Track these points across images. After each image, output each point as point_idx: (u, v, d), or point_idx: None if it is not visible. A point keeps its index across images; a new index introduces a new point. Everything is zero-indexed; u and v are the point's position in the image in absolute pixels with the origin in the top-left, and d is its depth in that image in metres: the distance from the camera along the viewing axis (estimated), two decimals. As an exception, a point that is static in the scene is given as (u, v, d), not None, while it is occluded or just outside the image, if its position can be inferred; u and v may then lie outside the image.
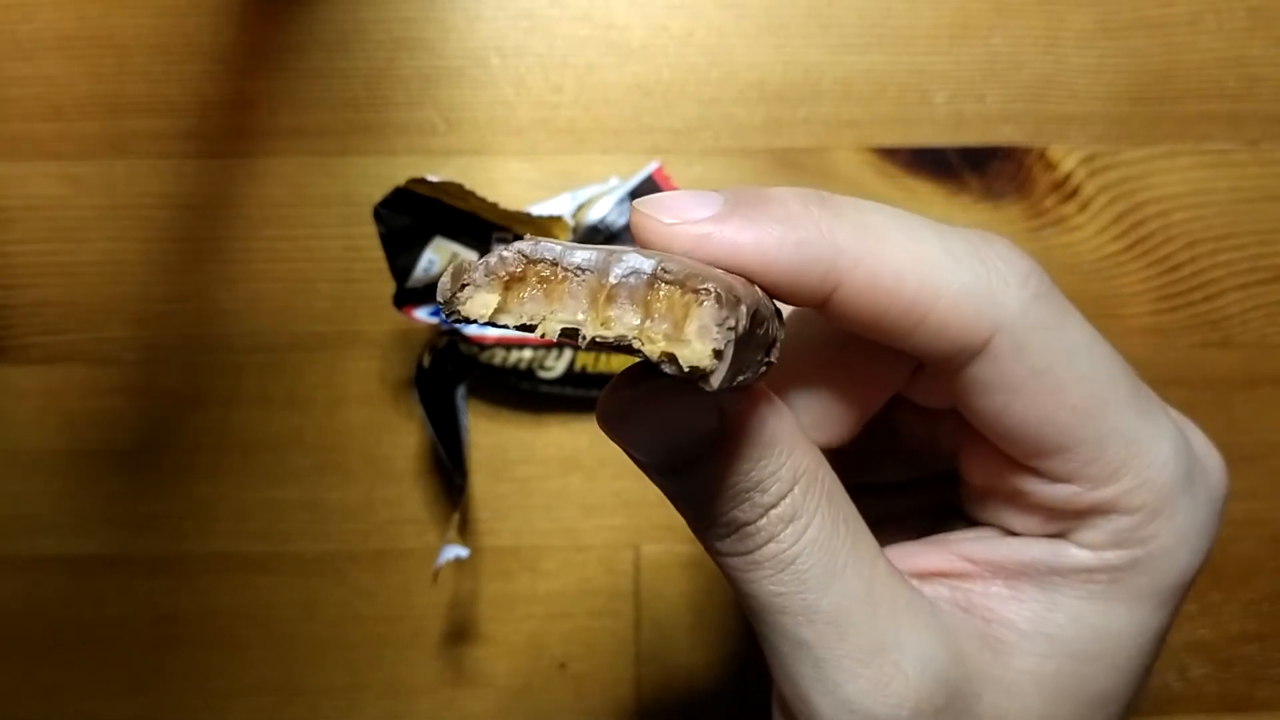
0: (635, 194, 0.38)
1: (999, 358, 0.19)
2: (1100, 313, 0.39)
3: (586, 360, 0.38)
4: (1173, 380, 0.40)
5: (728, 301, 0.15)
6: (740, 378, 0.16)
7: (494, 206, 0.36)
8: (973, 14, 0.40)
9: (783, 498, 0.19)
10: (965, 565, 0.22)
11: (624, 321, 0.15)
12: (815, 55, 0.40)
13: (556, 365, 0.38)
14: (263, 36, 0.40)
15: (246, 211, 0.39)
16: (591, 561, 0.39)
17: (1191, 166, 0.40)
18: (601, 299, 0.16)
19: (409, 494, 0.39)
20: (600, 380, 0.38)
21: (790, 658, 0.20)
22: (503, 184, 0.40)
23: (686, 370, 0.15)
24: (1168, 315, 0.40)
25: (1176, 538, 0.20)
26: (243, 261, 0.39)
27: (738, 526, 0.19)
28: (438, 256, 0.36)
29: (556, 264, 0.16)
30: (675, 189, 0.36)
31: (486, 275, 0.16)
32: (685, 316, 0.15)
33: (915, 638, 0.20)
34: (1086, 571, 0.21)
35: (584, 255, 0.16)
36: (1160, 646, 0.22)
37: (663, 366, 0.15)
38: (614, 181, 0.39)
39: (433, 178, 0.34)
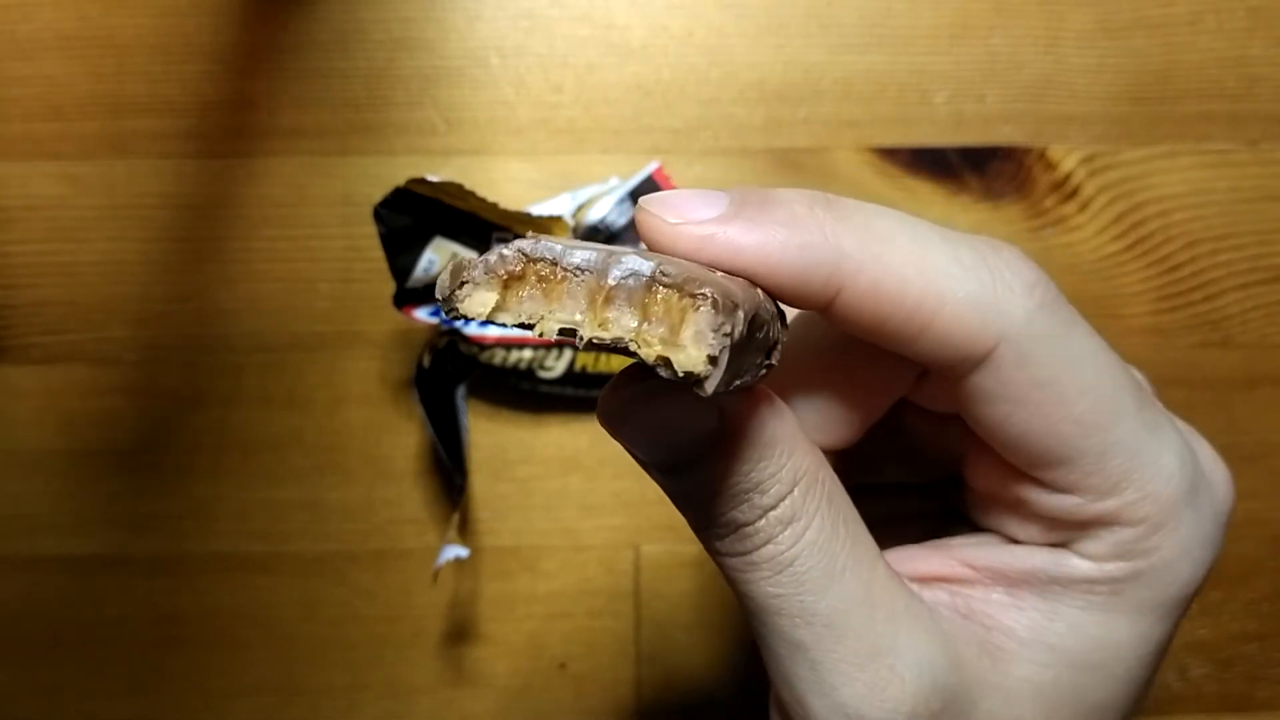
0: (635, 194, 0.38)
1: (1003, 367, 0.19)
2: (1100, 313, 0.39)
3: (586, 360, 0.38)
4: (1173, 380, 0.40)
5: (724, 307, 0.15)
6: (738, 381, 0.16)
7: (494, 206, 0.36)
8: (973, 14, 0.40)
9: (782, 499, 0.19)
10: (966, 571, 0.22)
11: (621, 324, 0.15)
12: (815, 55, 0.40)
13: (556, 365, 0.38)
14: (263, 36, 0.40)
15: (246, 211, 0.39)
16: (591, 561, 0.39)
17: (1191, 166, 0.40)
18: (600, 300, 0.16)
19: (409, 494, 0.39)
20: (600, 380, 0.38)
21: (787, 659, 0.20)
22: (503, 184, 0.40)
23: (681, 375, 0.15)
24: (1168, 315, 0.40)
25: (1179, 551, 0.20)
26: (243, 261, 0.39)
27: (736, 527, 0.19)
28: (438, 256, 0.36)
29: (556, 263, 0.16)
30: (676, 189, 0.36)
31: (486, 273, 0.16)
32: (681, 321, 0.15)
33: (913, 642, 0.20)
34: (1087, 582, 0.21)
35: (583, 255, 0.16)
36: (1161, 658, 0.22)
37: (658, 370, 0.15)
38: (614, 181, 0.39)
39: (433, 178, 0.34)
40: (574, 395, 0.38)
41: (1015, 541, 0.22)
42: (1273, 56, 0.40)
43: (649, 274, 0.15)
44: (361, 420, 0.39)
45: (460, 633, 0.39)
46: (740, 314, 0.15)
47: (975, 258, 0.19)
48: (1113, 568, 0.20)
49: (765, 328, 0.17)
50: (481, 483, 0.39)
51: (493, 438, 0.39)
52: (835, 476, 0.21)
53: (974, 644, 0.21)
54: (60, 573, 0.39)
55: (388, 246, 0.35)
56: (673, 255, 0.18)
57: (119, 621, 0.39)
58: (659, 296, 0.15)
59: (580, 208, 0.38)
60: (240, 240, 0.39)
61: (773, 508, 0.19)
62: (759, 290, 0.18)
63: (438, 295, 0.16)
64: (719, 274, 0.17)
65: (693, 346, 0.15)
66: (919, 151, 0.40)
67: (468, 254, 0.37)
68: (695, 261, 0.17)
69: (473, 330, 0.36)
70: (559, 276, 0.16)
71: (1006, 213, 0.40)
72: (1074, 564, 0.21)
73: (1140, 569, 0.20)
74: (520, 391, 0.38)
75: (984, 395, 0.19)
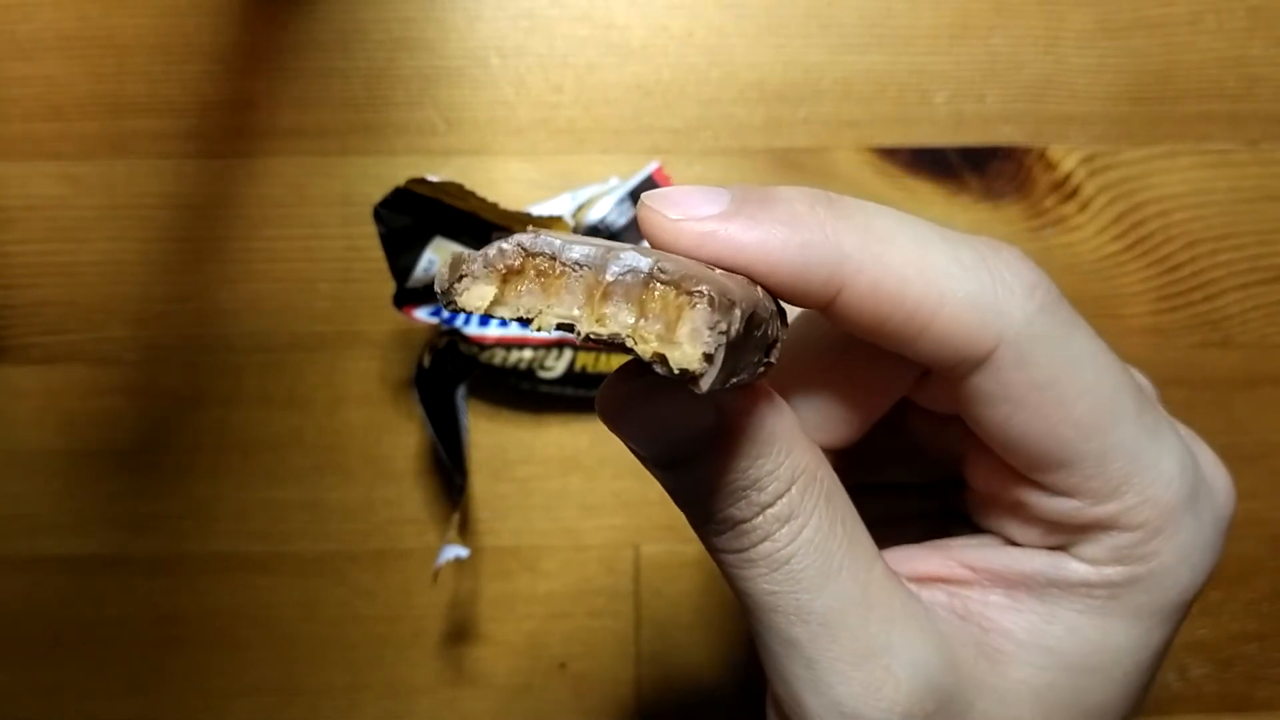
0: (635, 194, 0.38)
1: (1002, 369, 0.19)
2: (1100, 313, 0.39)
3: (587, 360, 0.38)
4: (1173, 380, 0.39)
5: (721, 305, 0.15)
6: (735, 379, 0.16)
7: (494, 206, 0.36)
8: (973, 14, 0.40)
9: (779, 497, 0.19)
10: (965, 572, 0.22)
11: (618, 320, 0.15)
12: (815, 55, 0.40)
13: (557, 365, 0.38)
14: (263, 36, 0.40)
15: (246, 211, 0.39)
16: (591, 561, 0.39)
17: (1191, 166, 0.40)
18: (598, 296, 0.16)
19: (409, 494, 0.39)
20: (600, 380, 0.38)
21: (783, 657, 0.20)
22: (503, 184, 0.40)
23: (677, 372, 0.15)
24: (1168, 315, 0.40)
25: (1178, 556, 0.20)
26: (243, 261, 0.39)
27: (734, 524, 0.19)
28: (438, 256, 0.36)
29: (555, 258, 0.16)
30: (675, 189, 0.36)
31: (485, 267, 0.16)
32: (678, 318, 0.15)
33: (909, 642, 0.20)
34: (1086, 586, 0.21)
35: (582, 251, 0.16)
36: (1160, 662, 0.22)
37: (654, 366, 0.15)
38: (614, 181, 0.39)
39: (433, 178, 0.34)
40: (574, 395, 0.38)
41: (1015, 543, 0.22)
42: (1273, 56, 0.40)
43: (647, 270, 0.15)
44: (361, 420, 0.39)
45: (460, 633, 0.39)
46: (737, 312, 0.15)
47: (975, 258, 0.19)
48: (1111, 572, 0.20)
49: (764, 326, 0.17)
50: (481, 483, 0.39)
51: (493, 438, 0.39)
52: (834, 475, 0.20)
53: (971, 645, 0.21)
54: (60, 573, 0.39)
55: (388, 246, 0.35)
56: (673, 251, 0.18)
57: (119, 621, 0.39)
58: (656, 293, 0.15)
59: (580, 208, 0.38)
60: (240, 240, 0.39)
61: (770, 505, 0.19)
62: (759, 288, 0.18)
63: (436, 288, 0.16)
64: (718, 271, 0.17)
65: (688, 344, 0.15)
66: (919, 151, 0.40)
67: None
68: (696, 258, 0.17)
69: (473, 330, 0.36)
70: (557, 271, 0.16)
71: (1006, 213, 0.40)
72: (1072, 567, 0.21)
73: (1139, 574, 0.20)
74: (520, 391, 0.38)
75: (984, 396, 0.19)
